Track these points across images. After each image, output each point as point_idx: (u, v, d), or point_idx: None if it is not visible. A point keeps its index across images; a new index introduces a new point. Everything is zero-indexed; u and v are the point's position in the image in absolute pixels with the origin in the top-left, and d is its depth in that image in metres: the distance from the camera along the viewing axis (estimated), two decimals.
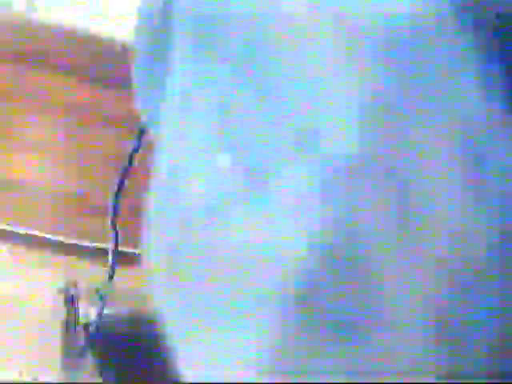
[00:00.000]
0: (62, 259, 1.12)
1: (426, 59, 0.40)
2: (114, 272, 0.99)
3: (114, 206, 0.96)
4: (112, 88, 1.12)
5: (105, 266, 1.00)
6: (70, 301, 1.06)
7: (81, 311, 1.06)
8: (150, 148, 0.50)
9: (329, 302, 0.39)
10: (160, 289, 0.47)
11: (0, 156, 1.13)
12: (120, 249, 0.99)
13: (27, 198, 1.14)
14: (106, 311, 1.02)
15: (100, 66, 1.14)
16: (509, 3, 0.40)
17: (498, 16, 0.40)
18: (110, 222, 0.97)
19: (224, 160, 0.43)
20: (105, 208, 0.98)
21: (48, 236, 1.13)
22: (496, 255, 0.39)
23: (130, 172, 0.94)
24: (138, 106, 0.54)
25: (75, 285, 1.07)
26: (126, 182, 0.95)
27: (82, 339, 1.04)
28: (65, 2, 1.17)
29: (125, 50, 0.54)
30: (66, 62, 1.14)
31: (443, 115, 0.40)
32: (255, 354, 0.41)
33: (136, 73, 0.53)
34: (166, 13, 0.48)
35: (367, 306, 0.39)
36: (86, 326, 1.03)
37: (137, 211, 0.48)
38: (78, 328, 1.05)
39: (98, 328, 1.02)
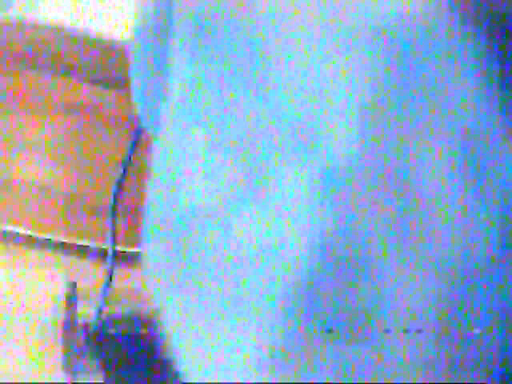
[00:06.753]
0: (61, 259, 1.12)
1: (426, 59, 0.40)
2: (113, 272, 0.99)
3: (113, 206, 0.96)
4: (112, 88, 1.12)
5: (105, 266, 1.00)
6: (70, 301, 1.06)
7: (81, 311, 1.06)
8: (149, 148, 0.50)
9: (329, 302, 0.39)
10: (160, 289, 0.47)
11: (0, 156, 1.13)
12: (120, 249, 0.99)
13: (27, 198, 1.14)
14: (105, 311, 1.02)
15: (100, 66, 1.14)
16: (508, 2, 0.40)
17: (498, 16, 0.40)
18: (108, 222, 0.97)
19: (224, 161, 0.43)
20: (105, 208, 0.98)
21: (48, 236, 1.13)
22: (496, 255, 0.39)
23: (128, 172, 0.94)
24: (136, 106, 0.54)
25: (75, 285, 1.07)
26: (125, 182, 0.95)
27: (82, 339, 1.04)
28: (65, 2, 1.18)
29: (125, 50, 0.54)
30: (66, 62, 1.14)
31: (443, 114, 0.40)
32: (255, 353, 0.41)
33: (135, 73, 0.53)
34: (165, 14, 0.48)
35: (367, 305, 0.39)
36: (86, 326, 1.03)
37: (136, 211, 0.48)
38: (77, 328, 1.05)
39: (97, 328, 1.01)
